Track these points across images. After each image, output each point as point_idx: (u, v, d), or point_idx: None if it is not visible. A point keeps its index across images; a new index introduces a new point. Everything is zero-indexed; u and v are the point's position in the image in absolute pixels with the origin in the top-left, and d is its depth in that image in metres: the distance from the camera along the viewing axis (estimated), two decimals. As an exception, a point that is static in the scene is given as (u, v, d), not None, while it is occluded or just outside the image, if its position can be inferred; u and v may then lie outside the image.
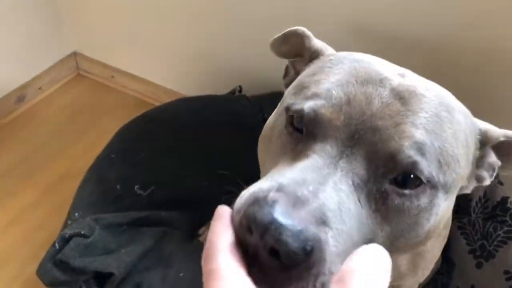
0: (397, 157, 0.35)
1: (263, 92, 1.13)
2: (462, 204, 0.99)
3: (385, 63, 0.42)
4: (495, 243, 0.92)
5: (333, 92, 0.37)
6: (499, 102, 0.94)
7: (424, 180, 0.36)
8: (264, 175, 0.38)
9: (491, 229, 0.94)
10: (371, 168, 0.35)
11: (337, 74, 0.39)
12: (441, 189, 0.37)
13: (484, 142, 0.44)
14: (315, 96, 0.38)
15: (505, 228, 0.92)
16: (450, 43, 0.90)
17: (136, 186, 0.93)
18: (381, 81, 0.38)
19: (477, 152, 0.44)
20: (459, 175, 0.40)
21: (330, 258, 0.30)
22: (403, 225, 0.36)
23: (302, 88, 0.42)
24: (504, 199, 0.97)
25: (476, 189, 0.97)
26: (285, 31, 0.51)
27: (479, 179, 0.46)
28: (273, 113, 0.46)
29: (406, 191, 0.35)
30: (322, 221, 0.31)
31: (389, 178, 0.35)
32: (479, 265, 0.92)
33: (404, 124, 0.35)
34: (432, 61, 0.93)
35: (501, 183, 1.00)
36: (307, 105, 0.38)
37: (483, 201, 0.98)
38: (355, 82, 0.38)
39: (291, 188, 0.31)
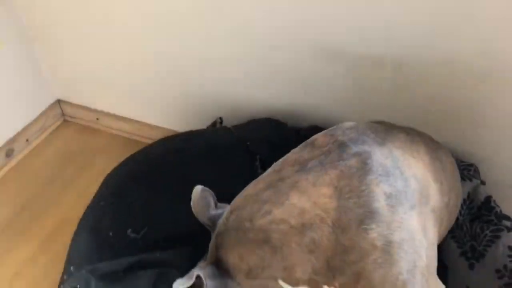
0: None
1: (243, 120, 1.16)
2: (449, 207, 1.01)
3: None
4: (484, 243, 0.93)
5: None
6: (464, 109, 0.97)
7: None
8: None
9: (478, 230, 0.95)
10: None
11: None
12: None
13: None
14: None
15: (492, 227, 0.94)
16: (413, 58, 0.93)
17: (129, 230, 0.95)
18: None
19: None
20: None
21: None
22: None
23: None
24: (488, 199, 0.99)
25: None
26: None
27: None
28: None
29: None
30: None
31: None
32: (471, 266, 0.93)
33: None
34: (399, 75, 0.96)
35: (483, 183, 1.02)
36: None
37: (467, 202, 1.00)
38: None
39: None
